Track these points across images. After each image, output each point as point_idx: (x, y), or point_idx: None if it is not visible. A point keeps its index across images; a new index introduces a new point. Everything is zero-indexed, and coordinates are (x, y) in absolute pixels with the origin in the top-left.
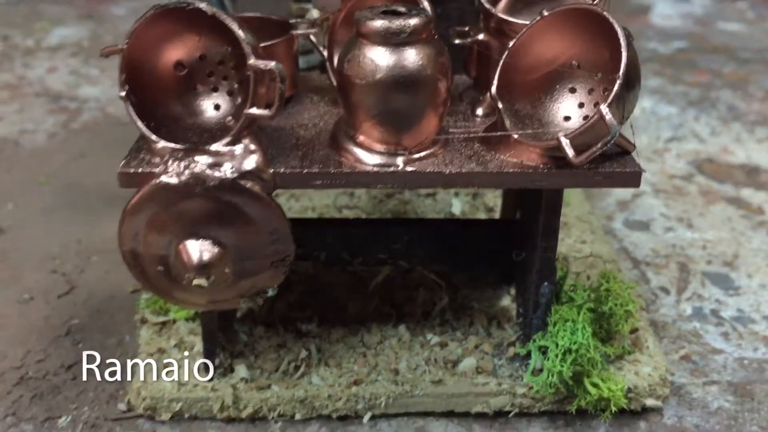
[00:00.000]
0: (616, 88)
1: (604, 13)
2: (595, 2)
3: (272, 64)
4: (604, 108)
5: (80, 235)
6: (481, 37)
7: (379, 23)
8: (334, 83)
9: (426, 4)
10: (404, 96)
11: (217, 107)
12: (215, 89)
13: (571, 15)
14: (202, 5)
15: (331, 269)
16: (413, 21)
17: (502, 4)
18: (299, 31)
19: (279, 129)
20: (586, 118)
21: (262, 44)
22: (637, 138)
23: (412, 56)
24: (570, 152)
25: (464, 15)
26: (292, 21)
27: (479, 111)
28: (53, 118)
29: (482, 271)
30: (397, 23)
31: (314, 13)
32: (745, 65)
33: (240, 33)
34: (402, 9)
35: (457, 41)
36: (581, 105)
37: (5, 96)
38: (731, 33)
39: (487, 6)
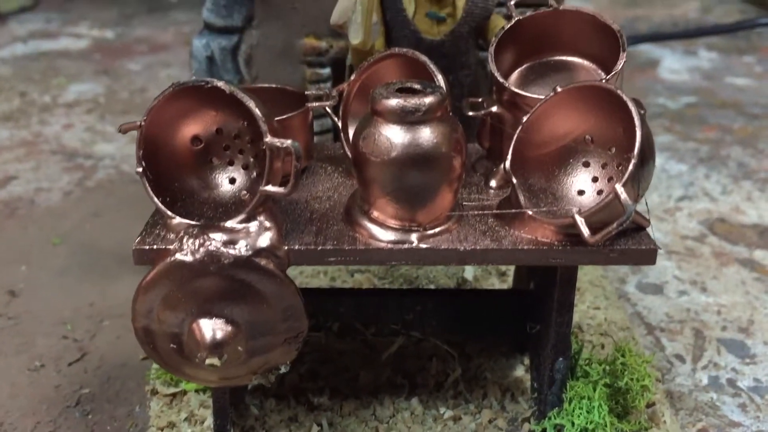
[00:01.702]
0: (630, 167)
1: (618, 91)
2: (607, 78)
3: (288, 142)
4: (619, 187)
5: (93, 297)
6: (494, 109)
7: (394, 102)
8: (348, 153)
9: (439, 78)
10: (419, 174)
11: (232, 181)
12: (231, 163)
13: (584, 91)
14: (221, 84)
15: (343, 339)
16: (428, 99)
17: (514, 75)
18: (314, 104)
19: (294, 202)
20: (600, 192)
21: (278, 118)
22: (648, 196)
23: (427, 134)
24: (586, 231)
25: (476, 82)
26: (308, 92)
27: (493, 183)
28: (68, 176)
29: (495, 341)
30: (413, 102)
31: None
32: (754, 121)
33: (257, 111)
34: (417, 86)
35: (470, 113)
36: (595, 179)
37: (22, 153)
38: (739, 88)
39: (500, 80)
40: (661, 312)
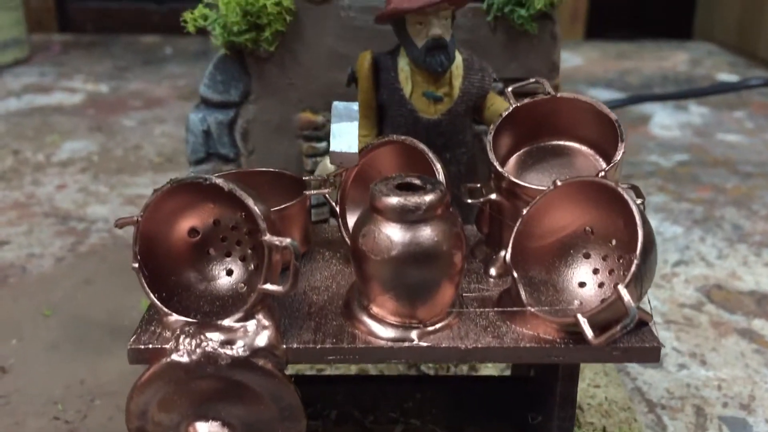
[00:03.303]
0: (633, 269)
1: (618, 188)
2: (606, 168)
3: (287, 241)
4: (621, 289)
5: (84, 374)
6: (492, 197)
7: (395, 200)
8: (346, 239)
9: (438, 167)
10: (420, 272)
11: (229, 272)
12: (228, 254)
13: (583, 186)
14: (219, 181)
15: (341, 427)
16: (429, 198)
17: (512, 160)
18: (312, 191)
19: (292, 294)
20: (601, 285)
21: (275, 208)
22: None
23: (427, 233)
24: (589, 333)
25: (473, 159)
26: (306, 178)
27: (492, 271)
28: (61, 241)
29: (496, 429)
30: (413, 201)
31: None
32: (747, 180)
33: (255, 209)
34: (417, 181)
35: (469, 201)
36: (596, 271)
37: (14, 216)
38: (731, 144)
39: (499, 169)
40: (662, 387)
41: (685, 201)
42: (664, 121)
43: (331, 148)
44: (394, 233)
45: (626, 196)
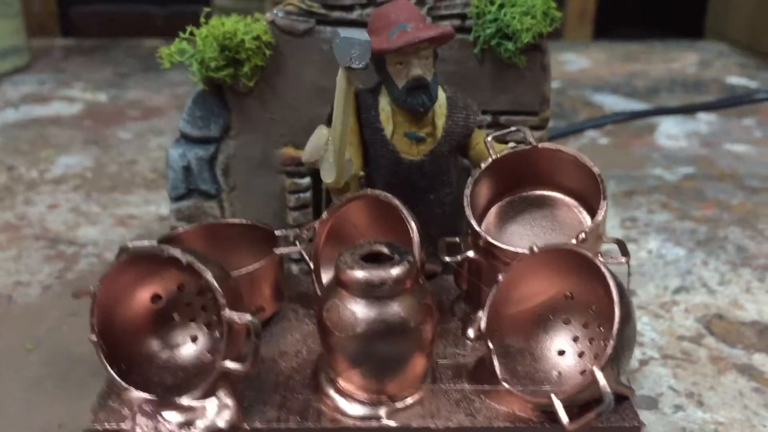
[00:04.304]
0: (609, 350)
1: (596, 261)
2: (585, 231)
3: (246, 317)
4: (597, 372)
5: (62, 416)
6: (470, 254)
7: (359, 275)
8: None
9: (413, 225)
10: (387, 348)
11: (194, 339)
12: (193, 319)
13: (561, 253)
14: (177, 253)
15: None
16: (395, 272)
17: (493, 210)
18: (284, 250)
19: (259, 360)
20: (581, 355)
21: (243, 271)
22: (644, 287)
23: (394, 309)
24: (564, 418)
25: (458, 200)
26: (278, 232)
27: (470, 332)
28: (49, 267)
29: None
30: (379, 275)
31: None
32: (753, 195)
33: (213, 283)
34: (385, 250)
35: (447, 259)
36: (575, 338)
37: (3, 240)
38: (738, 155)
39: (476, 228)
40: None
41: (688, 219)
42: (670, 130)
43: (341, 35)
44: (359, 309)
45: (603, 270)
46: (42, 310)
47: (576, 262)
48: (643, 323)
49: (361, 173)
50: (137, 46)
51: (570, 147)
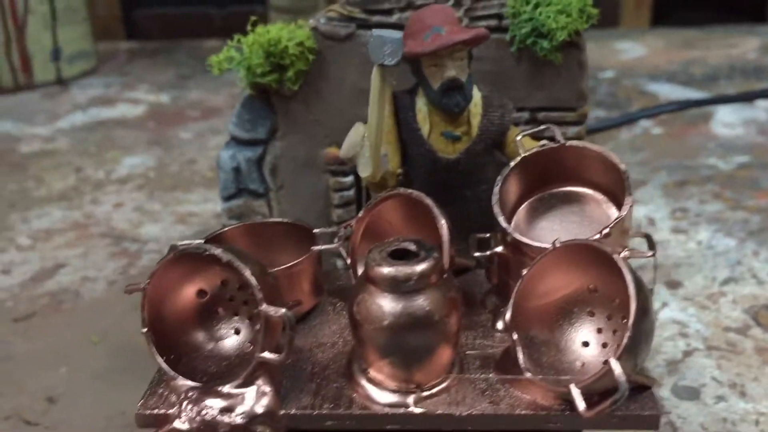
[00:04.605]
0: (625, 341)
1: (614, 256)
2: (611, 224)
3: (282, 311)
4: (613, 362)
5: (125, 405)
6: (498, 249)
7: (386, 270)
8: None
9: (443, 223)
10: (414, 339)
11: (237, 332)
12: (236, 313)
13: (582, 248)
14: (218, 252)
15: None
16: (420, 268)
17: (523, 207)
18: (321, 247)
19: (297, 351)
20: (605, 345)
21: (282, 267)
22: (691, 279)
23: (419, 303)
24: (581, 405)
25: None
26: (317, 231)
27: (499, 324)
28: (114, 263)
29: None
30: (404, 271)
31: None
32: None
33: (251, 279)
34: (412, 247)
35: (476, 254)
36: (599, 330)
37: (72, 238)
38: None
39: (503, 224)
40: (696, 423)
41: (741, 209)
42: (726, 118)
43: (373, 34)
44: (386, 303)
45: (620, 264)
46: (107, 304)
47: (598, 257)
48: (689, 314)
49: (399, 171)
50: (198, 47)
51: (623, 137)
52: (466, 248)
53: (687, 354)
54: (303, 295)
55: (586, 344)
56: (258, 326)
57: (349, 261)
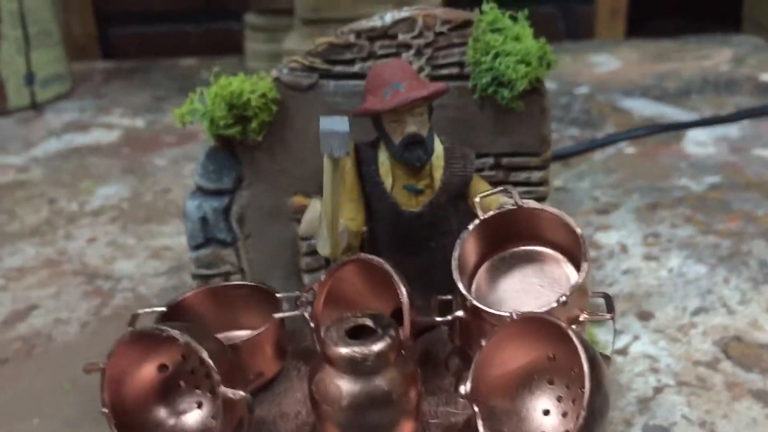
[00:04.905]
0: (580, 421)
1: (569, 332)
2: (567, 294)
3: (241, 394)
4: None
5: None
6: (459, 314)
7: (343, 351)
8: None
9: (403, 290)
10: (373, 418)
11: (199, 405)
12: (197, 386)
13: (539, 320)
14: (175, 333)
15: None
16: (377, 347)
17: (484, 267)
18: (284, 315)
19: (260, 422)
20: (564, 415)
21: (244, 339)
22: (663, 309)
23: (377, 382)
24: None
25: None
26: (279, 295)
27: (462, 389)
28: (87, 303)
29: None
30: (361, 352)
31: None
32: None
33: (209, 361)
34: (369, 323)
35: (438, 319)
36: (560, 398)
37: (45, 276)
38: (767, 162)
39: (463, 291)
40: None
41: (712, 233)
42: (699, 135)
43: (321, 128)
44: (343, 384)
45: (575, 341)
46: (79, 347)
47: (555, 328)
48: (659, 348)
49: (363, 229)
50: (173, 66)
51: (596, 158)
52: (428, 304)
53: (657, 390)
54: (266, 362)
55: (546, 412)
56: (216, 408)
57: (312, 325)
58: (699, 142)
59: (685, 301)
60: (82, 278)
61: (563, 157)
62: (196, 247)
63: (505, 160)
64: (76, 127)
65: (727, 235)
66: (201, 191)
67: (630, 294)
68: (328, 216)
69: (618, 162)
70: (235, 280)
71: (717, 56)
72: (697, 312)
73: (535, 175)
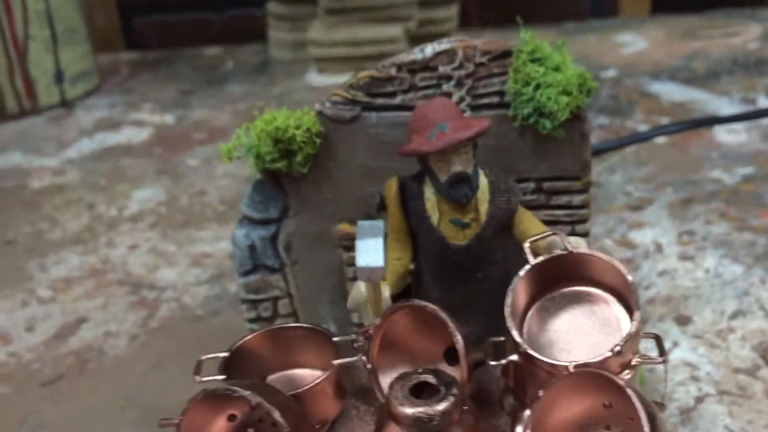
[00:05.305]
0: None
1: (627, 390)
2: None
3: None
4: None
5: None
6: (513, 358)
7: (409, 411)
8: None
9: (458, 338)
10: None
11: None
12: None
13: (595, 374)
14: (246, 394)
15: None
16: (442, 407)
17: (534, 309)
18: (343, 360)
19: None
20: None
21: (305, 388)
22: (700, 313)
23: None
24: None
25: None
26: (335, 339)
27: (518, 430)
28: (134, 315)
29: None
30: (427, 413)
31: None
32: None
33: (281, 420)
34: (432, 380)
35: (492, 363)
36: None
37: (91, 287)
38: None
39: (518, 339)
40: None
41: (747, 230)
42: (730, 123)
43: (358, 264)
44: None
45: (634, 400)
46: (130, 363)
47: (610, 380)
48: (699, 354)
49: (411, 267)
50: (198, 56)
51: (627, 150)
52: (474, 333)
53: (699, 400)
54: (328, 407)
55: None
56: None
57: (369, 367)
58: (730, 130)
59: (722, 303)
60: (127, 288)
61: (599, 152)
62: (245, 273)
63: (546, 185)
64: (107, 126)
65: (762, 231)
66: (249, 221)
67: (667, 297)
68: (371, 317)
69: (649, 153)
70: (284, 305)
71: (745, 32)
72: (734, 315)
73: (577, 199)
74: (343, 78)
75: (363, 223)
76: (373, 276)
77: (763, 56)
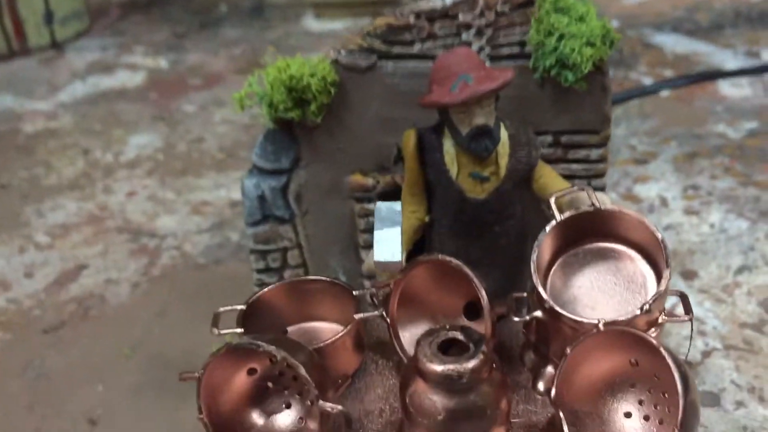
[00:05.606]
0: None
1: (661, 348)
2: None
3: (339, 408)
4: None
5: (165, 425)
6: (537, 314)
7: (438, 369)
8: (402, 356)
9: (483, 295)
10: (468, 428)
11: (287, 405)
12: (285, 387)
13: (624, 332)
14: (272, 349)
15: None
16: (472, 365)
17: (558, 264)
18: (363, 315)
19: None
20: (646, 418)
21: (327, 341)
22: (706, 268)
23: (472, 398)
24: None
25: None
26: (355, 293)
27: (540, 385)
28: (135, 263)
29: None
30: (457, 370)
31: None
32: None
33: (306, 376)
34: (460, 337)
35: (516, 319)
36: (641, 402)
37: (89, 234)
38: None
39: (543, 295)
40: (717, 430)
41: (752, 185)
42: (735, 77)
43: (375, 258)
44: (438, 399)
45: (668, 359)
46: (133, 311)
47: (638, 339)
48: (705, 309)
49: (426, 219)
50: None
51: (631, 102)
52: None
53: (706, 354)
54: (349, 361)
55: (628, 415)
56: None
57: (389, 322)
58: (734, 83)
59: (728, 258)
60: (127, 235)
61: None
62: (254, 224)
63: (564, 138)
64: (99, 68)
65: (767, 187)
66: (259, 171)
67: (673, 252)
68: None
69: (654, 106)
70: (293, 256)
71: None
72: (740, 270)
73: (595, 152)
74: (340, 24)
75: (381, 206)
76: (389, 269)
77: (766, 9)
